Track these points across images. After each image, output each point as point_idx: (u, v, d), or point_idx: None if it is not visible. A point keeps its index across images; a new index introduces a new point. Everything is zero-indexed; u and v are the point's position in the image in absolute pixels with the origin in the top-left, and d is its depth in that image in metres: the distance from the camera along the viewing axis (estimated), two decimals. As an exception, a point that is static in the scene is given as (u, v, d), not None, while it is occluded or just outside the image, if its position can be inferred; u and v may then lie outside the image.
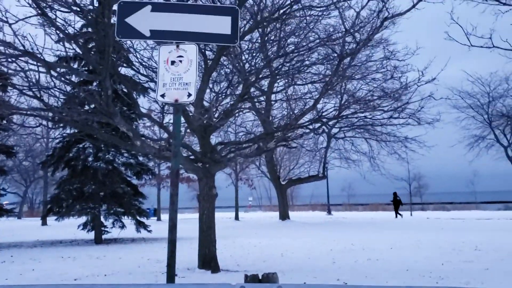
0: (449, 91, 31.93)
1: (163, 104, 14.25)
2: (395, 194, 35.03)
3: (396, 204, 34.37)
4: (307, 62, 11.57)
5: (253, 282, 3.80)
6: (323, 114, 11.61)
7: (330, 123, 18.95)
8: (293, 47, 11.17)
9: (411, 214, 36.52)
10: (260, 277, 3.89)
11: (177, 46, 4.79)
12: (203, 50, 10.31)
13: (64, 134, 19.33)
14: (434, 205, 49.47)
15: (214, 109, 9.96)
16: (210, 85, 10.89)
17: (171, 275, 4.38)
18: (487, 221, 25.81)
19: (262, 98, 15.68)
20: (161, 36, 4.83)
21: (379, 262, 10.97)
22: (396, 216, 33.02)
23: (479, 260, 10.85)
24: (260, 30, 10.99)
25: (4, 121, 13.21)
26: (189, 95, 4.74)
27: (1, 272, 10.49)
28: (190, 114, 10.31)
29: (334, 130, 27.85)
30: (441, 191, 65.66)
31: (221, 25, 4.90)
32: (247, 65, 11.10)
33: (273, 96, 16.04)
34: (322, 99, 11.63)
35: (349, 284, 3.67)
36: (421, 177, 49.79)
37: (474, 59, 30.28)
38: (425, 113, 18.67)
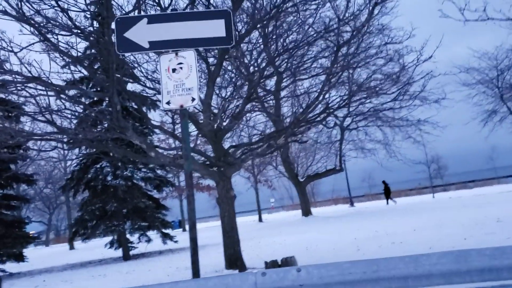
0: (457, 69, 31.77)
1: (173, 114, 14.52)
2: (384, 182, 36.01)
3: (387, 191, 35.38)
4: (308, 56, 11.72)
5: (273, 267, 3.98)
6: (330, 105, 11.73)
7: (341, 115, 19.04)
8: (293, 43, 11.33)
9: (433, 197, 36.31)
10: (279, 262, 4.07)
11: (176, 54, 4.99)
12: (204, 57, 10.52)
13: (80, 155, 19.71)
14: (456, 185, 49.09)
15: (222, 113, 10.16)
16: (217, 91, 11.09)
17: (195, 271, 4.57)
18: (509, 194, 25.60)
19: (270, 98, 15.84)
20: (159, 46, 5.03)
21: (403, 245, 11.04)
22: (387, 203, 33.84)
23: (501, 231, 10.86)
24: (260, 30, 11.17)
25: (21, 150, 13.53)
26: (193, 99, 4.93)
27: (35, 296, 10.78)
28: (200, 120, 10.52)
29: (346, 122, 27.87)
30: (461, 170, 65.02)
31: (215, 28, 5.09)
32: (250, 67, 11.28)
33: (281, 94, 16.19)
34: (327, 90, 11.77)
35: (367, 259, 3.81)
36: (439, 158, 49.50)
37: (478, 36, 30.18)
38: (433, 94, 18.71)
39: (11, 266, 18.85)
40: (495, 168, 55.30)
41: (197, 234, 4.70)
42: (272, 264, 3.99)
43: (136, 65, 10.42)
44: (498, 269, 3.47)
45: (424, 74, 12.41)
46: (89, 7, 10.25)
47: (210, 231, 24.48)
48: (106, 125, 11.21)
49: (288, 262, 3.99)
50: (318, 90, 12.03)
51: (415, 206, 27.38)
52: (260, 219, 34.82)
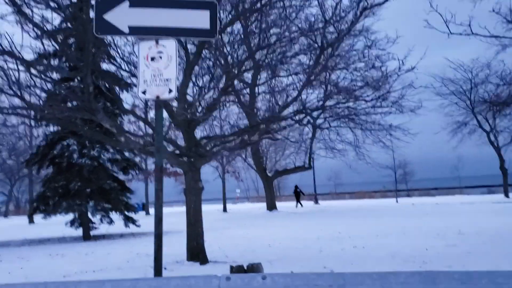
0: (432, 78, 32.27)
1: (145, 99, 14.23)
2: (296, 186, 38.26)
3: (297, 195, 37.63)
4: (289, 53, 11.61)
5: (239, 273, 3.88)
6: (307, 105, 11.67)
7: (315, 114, 19.05)
8: (275, 38, 11.20)
9: (396, 201, 36.91)
10: (245, 268, 3.97)
11: (157, 42, 4.81)
12: (184, 45, 10.30)
13: (48, 132, 19.22)
14: (420, 191, 50.04)
15: (197, 103, 9.99)
16: (193, 79, 10.89)
17: (158, 269, 4.44)
18: (471, 206, 26.19)
19: (246, 91, 15.71)
20: (140, 32, 4.83)
21: (365, 249, 11.12)
22: (297, 206, 35.96)
23: (462, 244, 11.06)
24: (242, 21, 10.99)
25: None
26: (170, 91, 4.76)
27: (-12, 272, 10.46)
28: (174, 108, 10.32)
29: (319, 121, 27.95)
30: (426, 177, 66.40)
31: (200, 19, 4.91)
32: (229, 58, 11.11)
33: (256, 89, 16.08)
34: (305, 90, 11.70)
35: (334, 272, 3.77)
36: (407, 164, 50.35)
37: (455, 46, 30.62)
38: (408, 101, 18.84)
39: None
40: (459, 177, 56.63)
41: (162, 231, 4.56)
42: (237, 269, 3.89)
43: (113, 45, 10.11)
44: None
45: (405, 84, 12.50)
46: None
47: (174, 217, 24.30)
48: (76, 104, 10.90)
49: (254, 268, 3.90)
50: (296, 89, 11.97)
51: (379, 209, 27.74)
52: (225, 209, 34.77)
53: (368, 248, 11.31)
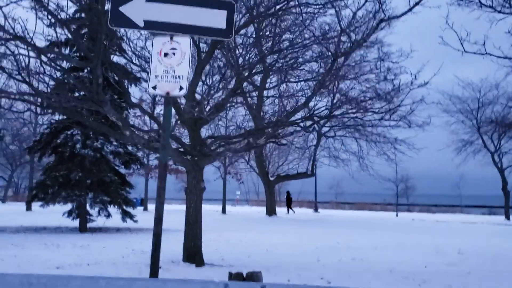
0: (440, 95, 32.15)
1: (154, 95, 14.16)
2: (288, 192, 38.79)
3: (289, 201, 37.72)
4: (301, 60, 11.53)
5: (237, 280, 3.78)
6: (315, 112, 11.58)
7: (321, 121, 18.93)
8: (287, 44, 11.12)
9: (396, 215, 36.73)
10: (244, 276, 3.87)
11: (171, 38, 4.73)
12: (197, 43, 10.23)
13: (53, 121, 19.16)
14: (420, 207, 49.81)
15: (206, 102, 9.90)
16: (203, 78, 10.81)
17: (154, 269, 4.34)
18: (471, 225, 26.02)
19: (254, 94, 15.62)
20: (155, 27, 4.75)
21: (363, 262, 11.01)
22: (288, 212, 36.24)
23: (462, 264, 10.94)
24: (255, 25, 10.91)
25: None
26: (181, 88, 4.69)
27: (-18, 257, 10.37)
28: (181, 106, 10.24)
29: (325, 129, 27.83)
30: (427, 193, 66.12)
31: (216, 18, 4.84)
32: (240, 60, 11.03)
33: (265, 92, 15.99)
34: (314, 97, 11.61)
35: (332, 285, 3.64)
36: (409, 178, 50.12)
37: (466, 64, 30.46)
38: (416, 116, 18.73)
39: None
40: (461, 195, 56.36)
41: (161, 230, 4.46)
42: (236, 276, 3.79)
43: (125, 38, 10.03)
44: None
45: (415, 99, 12.40)
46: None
47: (172, 215, 24.18)
48: (83, 94, 10.82)
49: (253, 277, 3.80)
50: (305, 95, 11.87)
51: (379, 222, 27.61)
52: (224, 211, 34.64)
53: (366, 261, 11.20)
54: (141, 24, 4.75)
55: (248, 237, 16.34)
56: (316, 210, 40.58)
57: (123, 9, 4.73)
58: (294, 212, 36.15)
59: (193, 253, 10.00)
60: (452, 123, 35.65)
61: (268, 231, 18.94)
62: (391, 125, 20.64)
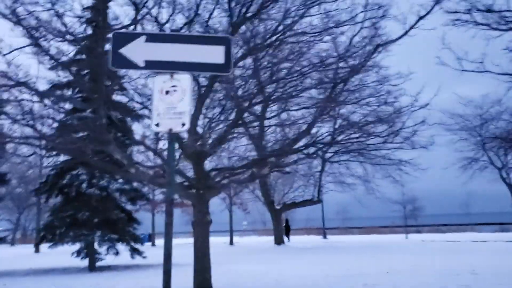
0: (442, 114, 32.11)
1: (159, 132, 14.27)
2: (287, 220, 38.78)
3: (287, 229, 37.71)
4: (300, 87, 11.63)
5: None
6: (318, 138, 11.63)
7: (325, 147, 18.97)
8: (286, 72, 11.23)
9: (406, 237, 36.36)
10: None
11: (171, 76, 4.82)
12: (196, 78, 10.36)
13: (57, 162, 19.27)
14: (429, 228, 49.30)
15: (207, 136, 9.97)
16: (204, 111, 10.92)
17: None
18: (483, 244, 25.71)
19: (255, 123, 15.68)
20: (155, 67, 4.84)
21: (376, 288, 10.87)
22: (289, 240, 36.53)
23: (476, 285, 10.76)
24: (253, 56, 11.06)
25: (-3, 149, 13.12)
26: (183, 124, 4.74)
27: (-8, 303, 10.31)
28: (184, 141, 10.31)
29: (328, 154, 27.80)
30: (435, 213, 65.52)
31: (214, 54, 4.93)
32: (240, 91, 11.14)
33: (266, 122, 16.07)
34: (316, 124, 11.67)
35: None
36: (416, 199, 49.71)
37: (466, 82, 30.61)
38: (419, 137, 18.72)
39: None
40: (470, 214, 55.78)
41: (171, 267, 4.46)
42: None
43: (126, 77, 10.20)
44: None
45: (417, 120, 12.46)
46: (84, 12, 10.06)
47: (180, 249, 23.89)
48: (87, 134, 10.93)
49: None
50: (307, 122, 11.93)
51: (388, 245, 27.31)
52: (231, 242, 34.40)
53: (379, 286, 11.05)
54: (142, 65, 4.85)
55: (257, 269, 16.17)
56: (324, 236, 40.26)
57: (123, 50, 4.83)
58: (289, 241, 36.16)
59: (203, 287, 9.92)
60: (456, 141, 35.53)
61: (277, 261, 18.76)
62: (395, 148, 20.67)
